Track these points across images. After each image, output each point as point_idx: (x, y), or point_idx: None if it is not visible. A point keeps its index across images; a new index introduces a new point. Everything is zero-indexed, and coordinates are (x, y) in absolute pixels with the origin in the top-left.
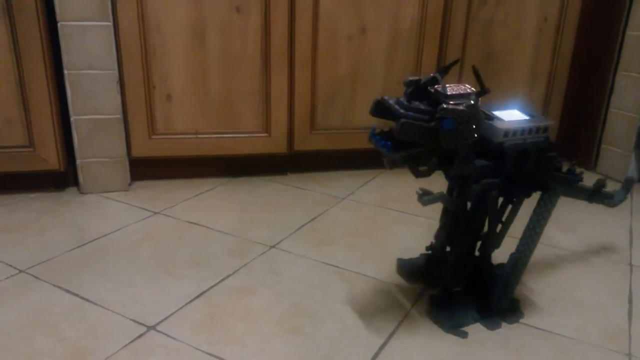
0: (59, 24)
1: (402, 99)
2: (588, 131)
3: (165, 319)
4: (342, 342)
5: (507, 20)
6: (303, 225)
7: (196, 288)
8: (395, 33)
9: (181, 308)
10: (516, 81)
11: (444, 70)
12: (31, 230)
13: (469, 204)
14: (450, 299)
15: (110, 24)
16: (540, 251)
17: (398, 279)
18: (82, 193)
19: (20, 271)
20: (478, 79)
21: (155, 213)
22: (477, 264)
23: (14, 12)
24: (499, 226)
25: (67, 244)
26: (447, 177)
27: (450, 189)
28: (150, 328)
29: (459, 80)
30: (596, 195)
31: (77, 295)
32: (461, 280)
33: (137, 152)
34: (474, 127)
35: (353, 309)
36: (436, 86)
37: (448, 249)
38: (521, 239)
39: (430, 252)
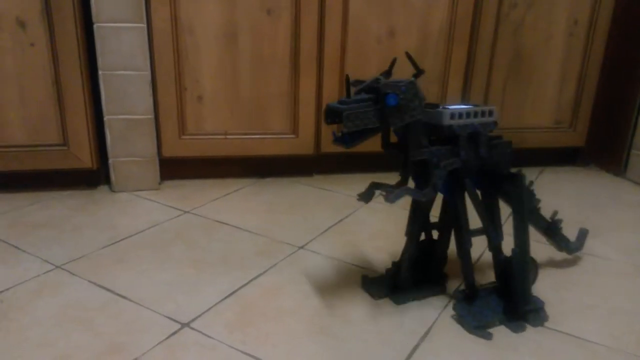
0: (94, 25)
1: (344, 98)
2: (618, 136)
3: (199, 316)
4: (373, 343)
5: (537, 22)
6: (330, 227)
7: (227, 287)
8: (425, 36)
9: (214, 306)
10: (545, 84)
11: (386, 73)
12: (66, 227)
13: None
14: (476, 298)
15: (144, 25)
16: (573, 258)
17: None
18: (113, 191)
19: (56, 267)
20: (412, 62)
21: (185, 212)
22: (499, 262)
23: (53, 13)
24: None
25: (100, 241)
26: (414, 176)
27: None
28: (184, 325)
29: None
30: (554, 232)
31: (111, 291)
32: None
33: (168, 152)
34: (418, 102)
35: (383, 310)
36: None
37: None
38: (514, 232)
39: (395, 269)
